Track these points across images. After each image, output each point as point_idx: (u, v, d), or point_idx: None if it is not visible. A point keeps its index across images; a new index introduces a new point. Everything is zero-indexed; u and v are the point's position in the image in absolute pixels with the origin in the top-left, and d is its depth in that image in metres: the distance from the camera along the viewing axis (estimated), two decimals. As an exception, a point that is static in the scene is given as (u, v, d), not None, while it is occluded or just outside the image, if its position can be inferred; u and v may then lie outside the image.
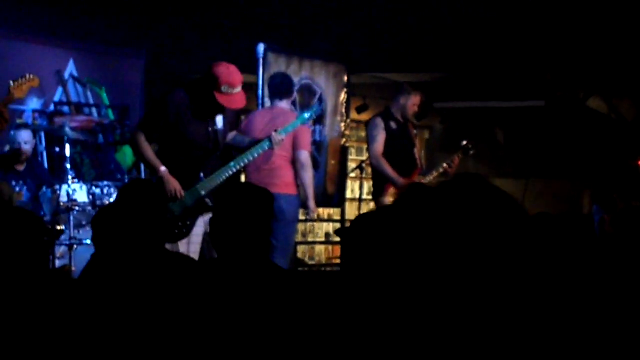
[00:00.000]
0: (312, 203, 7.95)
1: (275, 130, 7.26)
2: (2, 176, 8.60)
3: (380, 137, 8.60)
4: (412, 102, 8.77)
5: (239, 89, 6.89)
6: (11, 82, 7.18)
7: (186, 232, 6.90)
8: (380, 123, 8.68)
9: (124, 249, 4.02)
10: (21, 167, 8.87)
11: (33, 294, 3.73)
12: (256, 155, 7.18)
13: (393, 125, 8.70)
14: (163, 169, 6.84)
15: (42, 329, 3.62)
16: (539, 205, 10.03)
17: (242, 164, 7.20)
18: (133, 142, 7.08)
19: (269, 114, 8.04)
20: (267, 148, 7.19)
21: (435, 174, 8.83)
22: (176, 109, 6.89)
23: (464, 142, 9.10)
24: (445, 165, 8.85)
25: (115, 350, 3.63)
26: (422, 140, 13.23)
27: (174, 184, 6.83)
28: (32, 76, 7.29)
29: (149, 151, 6.91)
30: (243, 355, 3.63)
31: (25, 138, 8.88)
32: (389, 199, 8.56)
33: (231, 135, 7.28)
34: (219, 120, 7.09)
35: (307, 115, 7.51)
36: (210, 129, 7.02)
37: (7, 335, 3.58)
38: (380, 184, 8.69)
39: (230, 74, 6.86)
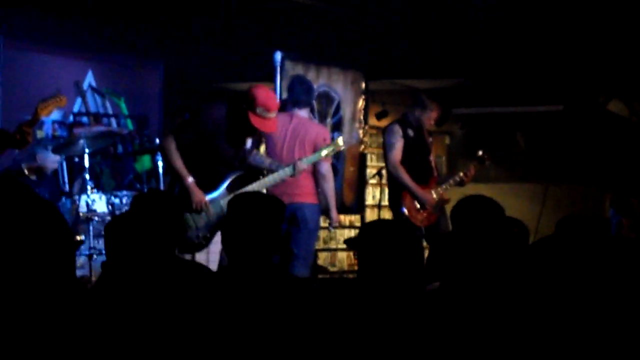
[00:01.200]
0: (334, 213, 8.03)
1: (300, 159, 7.32)
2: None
3: (398, 145, 8.58)
4: (428, 116, 8.73)
5: (273, 115, 6.96)
6: (39, 102, 7.15)
7: (205, 244, 6.94)
8: (398, 130, 8.65)
9: (134, 257, 4.02)
10: (34, 176, 8.89)
11: (56, 302, 3.73)
12: (279, 180, 7.26)
13: (410, 132, 8.66)
14: (190, 179, 6.89)
15: (53, 340, 3.62)
16: (559, 211, 9.98)
17: (264, 187, 7.25)
18: (163, 147, 7.11)
19: (289, 120, 8.02)
20: (289, 175, 7.26)
21: (451, 182, 8.81)
22: (215, 123, 6.93)
23: (480, 152, 9.07)
24: (461, 174, 8.85)
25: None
26: (442, 146, 13.20)
27: (200, 196, 6.89)
28: (60, 97, 7.27)
29: (178, 159, 6.95)
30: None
31: (51, 158, 8.92)
32: (406, 211, 8.54)
33: (252, 154, 7.32)
34: (248, 140, 7.14)
35: (325, 152, 7.53)
36: (240, 148, 7.09)
37: (21, 342, 3.58)
38: (397, 191, 8.66)
39: (268, 97, 6.94)
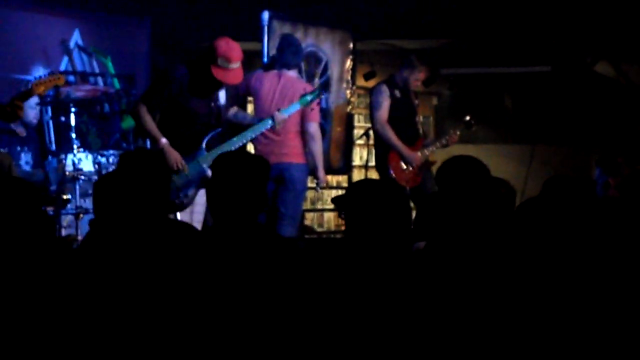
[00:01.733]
0: (321, 173, 8.07)
1: (279, 110, 7.32)
2: (5, 139, 8.58)
3: (385, 104, 8.60)
4: (415, 77, 8.77)
5: (236, 65, 6.91)
6: (35, 79, 7.08)
7: (187, 203, 6.96)
8: (385, 90, 8.68)
9: (121, 216, 4.02)
10: (23, 133, 8.86)
11: (32, 264, 3.73)
12: (258, 132, 7.27)
13: (397, 93, 8.71)
14: (164, 140, 6.89)
15: (41, 298, 3.63)
16: (545, 172, 10.01)
17: (245, 140, 7.26)
18: (134, 113, 7.14)
19: (277, 79, 8.02)
20: (269, 127, 7.28)
21: (438, 145, 8.84)
22: (178, 83, 6.95)
23: (467, 117, 9.10)
24: (447, 137, 8.88)
25: (114, 320, 3.64)
26: (430, 107, 13.20)
27: (175, 156, 6.88)
28: (59, 75, 7.20)
29: (150, 123, 6.97)
30: (240, 324, 3.63)
31: (30, 103, 8.86)
32: (392, 171, 8.56)
33: (232, 110, 7.35)
34: (222, 95, 7.12)
35: (309, 98, 7.55)
36: (212, 104, 7.06)
37: (6, 307, 3.59)
38: (383, 152, 8.70)
39: (228, 48, 6.89)
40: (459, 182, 4.34)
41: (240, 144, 7.21)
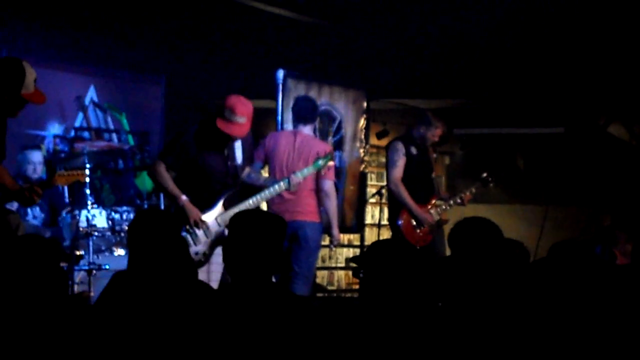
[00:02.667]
0: (336, 231, 8.06)
1: (294, 172, 7.35)
2: None
3: (400, 162, 8.58)
4: (432, 134, 8.74)
5: (241, 119, 6.91)
6: (60, 170, 7.05)
7: (204, 261, 6.95)
8: (401, 148, 8.66)
9: (140, 273, 4.02)
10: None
11: (51, 320, 3.74)
12: (274, 193, 7.26)
13: (413, 150, 8.69)
14: (184, 197, 6.91)
15: (60, 353, 3.63)
16: (558, 232, 9.99)
17: (260, 200, 7.25)
18: (152, 172, 7.15)
19: (293, 138, 8.04)
20: (284, 188, 7.28)
21: (452, 203, 8.82)
22: (194, 140, 6.95)
23: (484, 174, 9.07)
24: (462, 195, 8.85)
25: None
26: (442, 166, 13.19)
27: (196, 213, 6.89)
28: (81, 172, 7.17)
29: (169, 181, 6.99)
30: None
31: (35, 159, 8.90)
32: (403, 228, 8.53)
33: (246, 171, 7.32)
34: (239, 155, 7.14)
35: (320, 163, 7.54)
36: (229, 163, 7.08)
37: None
38: (396, 208, 8.71)
39: (236, 102, 6.92)
40: (472, 244, 4.31)
41: (256, 203, 7.21)
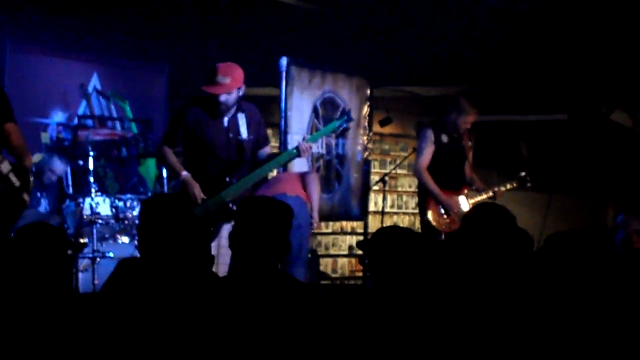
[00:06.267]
0: (316, 214, 7.81)
1: (304, 138, 7.25)
2: None
3: (427, 150, 8.34)
4: (464, 120, 8.39)
5: (224, 80, 6.87)
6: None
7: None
8: (429, 135, 8.38)
9: (163, 261, 4.00)
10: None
11: (57, 308, 3.75)
12: (282, 163, 7.21)
13: (444, 138, 8.42)
14: (184, 173, 6.92)
15: (65, 341, 3.64)
16: (562, 221, 9.99)
17: (268, 172, 7.20)
18: (159, 155, 7.19)
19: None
20: (294, 155, 7.16)
21: (484, 196, 8.60)
22: (193, 116, 6.95)
23: (522, 174, 8.85)
24: (496, 190, 8.62)
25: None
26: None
27: (195, 187, 6.86)
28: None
29: (172, 159, 7.03)
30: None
31: (56, 167, 8.95)
32: (430, 215, 8.37)
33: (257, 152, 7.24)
34: (244, 131, 7.09)
35: (337, 124, 7.39)
36: (230, 135, 7.03)
37: (29, 348, 3.60)
38: (423, 197, 8.47)
39: (218, 64, 6.91)
40: (486, 229, 4.28)
41: (264, 175, 7.14)
